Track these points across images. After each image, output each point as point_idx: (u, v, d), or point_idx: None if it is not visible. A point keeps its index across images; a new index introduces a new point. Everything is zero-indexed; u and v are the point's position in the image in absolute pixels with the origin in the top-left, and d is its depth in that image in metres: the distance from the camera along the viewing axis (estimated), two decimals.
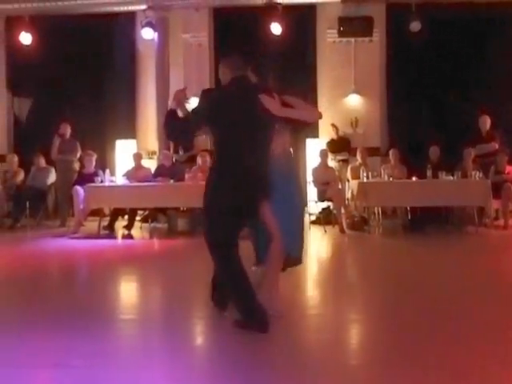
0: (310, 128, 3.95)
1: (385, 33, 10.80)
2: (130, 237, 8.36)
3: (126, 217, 8.95)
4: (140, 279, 5.30)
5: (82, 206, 8.48)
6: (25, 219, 9.54)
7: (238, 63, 3.57)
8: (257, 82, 3.63)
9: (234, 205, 3.41)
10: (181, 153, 9.60)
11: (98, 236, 8.41)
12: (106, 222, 8.92)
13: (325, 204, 9.32)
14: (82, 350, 3.04)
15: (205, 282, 4.75)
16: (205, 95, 3.58)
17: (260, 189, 3.52)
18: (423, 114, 10.63)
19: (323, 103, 10.91)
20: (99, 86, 11.37)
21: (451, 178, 8.24)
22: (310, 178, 9.46)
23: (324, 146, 10.07)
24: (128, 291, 5.03)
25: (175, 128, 3.56)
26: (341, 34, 10.62)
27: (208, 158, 9.13)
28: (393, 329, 3.49)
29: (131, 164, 9.46)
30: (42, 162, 9.97)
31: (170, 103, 3.66)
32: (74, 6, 10.51)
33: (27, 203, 9.39)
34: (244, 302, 3.38)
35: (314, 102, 10.92)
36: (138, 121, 11.28)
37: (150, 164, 10.00)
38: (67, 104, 11.05)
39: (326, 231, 8.51)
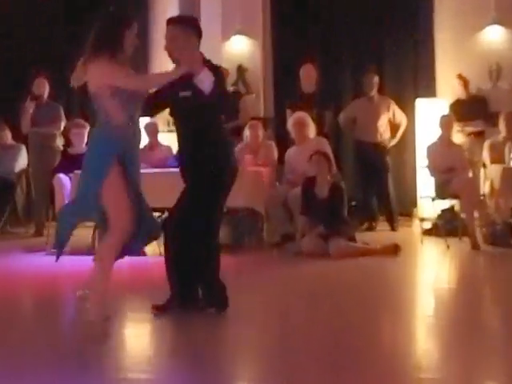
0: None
1: None
2: (140, 253, 8.45)
3: None
4: (153, 321, 5.39)
5: None
6: None
7: None
8: None
9: None
10: None
11: (91, 251, 8.50)
12: None
13: (447, 203, 9.26)
14: None
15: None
16: None
17: None
18: None
19: (443, 42, 10.89)
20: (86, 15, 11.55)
21: None
22: (423, 161, 9.45)
23: (446, 111, 9.97)
24: (137, 338, 5.15)
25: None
26: None
27: (261, 131, 9.17)
28: None
29: (143, 140, 9.56)
30: (8, 137, 10.26)
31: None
32: None
33: None
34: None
35: (429, 39, 10.75)
36: (152, 68, 11.39)
37: (172, 140, 10.03)
38: (42, 49, 11.31)
39: (448, 247, 8.47)
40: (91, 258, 8.07)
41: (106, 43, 4.83)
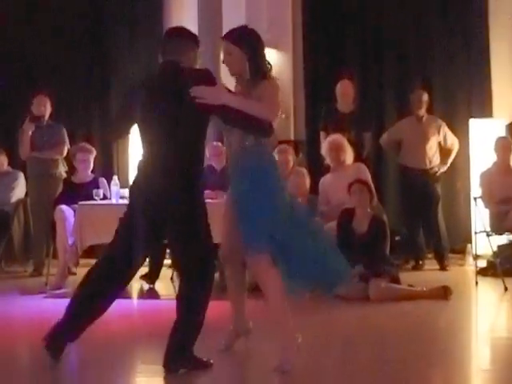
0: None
1: None
2: (153, 295, 8.43)
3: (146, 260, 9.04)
4: (167, 377, 5.33)
5: (70, 241, 8.68)
6: None
7: (170, 47, 5.45)
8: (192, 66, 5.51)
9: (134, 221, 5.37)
10: None
11: None
12: None
13: (505, 238, 9.30)
14: None
15: None
16: (130, 87, 5.95)
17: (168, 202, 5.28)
18: None
19: (499, 53, 10.90)
20: (96, 30, 11.75)
21: None
22: (476, 190, 9.48)
23: (503, 133, 10.02)
24: None
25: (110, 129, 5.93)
26: None
27: (291, 156, 9.16)
28: None
29: None
30: (3, 163, 10.27)
31: None
32: None
33: None
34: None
35: (484, 51, 10.75)
36: None
37: None
38: (42, 64, 11.42)
39: (507, 289, 8.40)
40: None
41: None
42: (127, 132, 6.16)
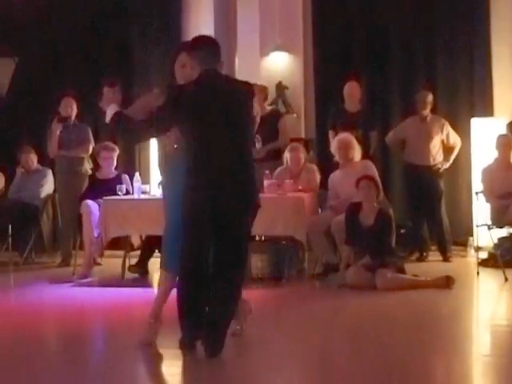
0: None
1: None
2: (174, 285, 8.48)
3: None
4: (184, 359, 5.37)
5: (96, 233, 8.82)
6: (5, 253, 9.96)
7: (207, 56, 5.39)
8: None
9: (202, 215, 5.27)
10: (258, 145, 9.50)
11: (121, 282, 8.66)
12: (134, 258, 9.16)
13: (505, 231, 9.30)
14: None
15: None
16: (174, 91, 5.51)
17: (235, 195, 5.26)
18: None
19: (500, 56, 10.85)
20: (118, 34, 11.74)
21: None
22: (478, 185, 9.46)
23: (504, 131, 9.98)
24: (168, 377, 5.20)
25: (133, 129, 5.72)
26: None
27: (302, 153, 9.19)
28: None
29: None
30: (33, 161, 10.37)
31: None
32: None
33: (9, 227, 9.77)
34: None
35: (486, 53, 10.79)
36: None
37: None
38: (69, 68, 11.45)
39: (507, 279, 8.41)
40: (121, 289, 8.26)
41: None
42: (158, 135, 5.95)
